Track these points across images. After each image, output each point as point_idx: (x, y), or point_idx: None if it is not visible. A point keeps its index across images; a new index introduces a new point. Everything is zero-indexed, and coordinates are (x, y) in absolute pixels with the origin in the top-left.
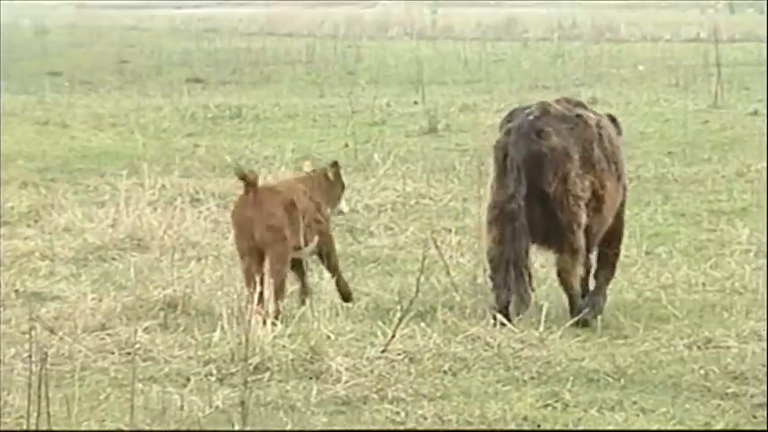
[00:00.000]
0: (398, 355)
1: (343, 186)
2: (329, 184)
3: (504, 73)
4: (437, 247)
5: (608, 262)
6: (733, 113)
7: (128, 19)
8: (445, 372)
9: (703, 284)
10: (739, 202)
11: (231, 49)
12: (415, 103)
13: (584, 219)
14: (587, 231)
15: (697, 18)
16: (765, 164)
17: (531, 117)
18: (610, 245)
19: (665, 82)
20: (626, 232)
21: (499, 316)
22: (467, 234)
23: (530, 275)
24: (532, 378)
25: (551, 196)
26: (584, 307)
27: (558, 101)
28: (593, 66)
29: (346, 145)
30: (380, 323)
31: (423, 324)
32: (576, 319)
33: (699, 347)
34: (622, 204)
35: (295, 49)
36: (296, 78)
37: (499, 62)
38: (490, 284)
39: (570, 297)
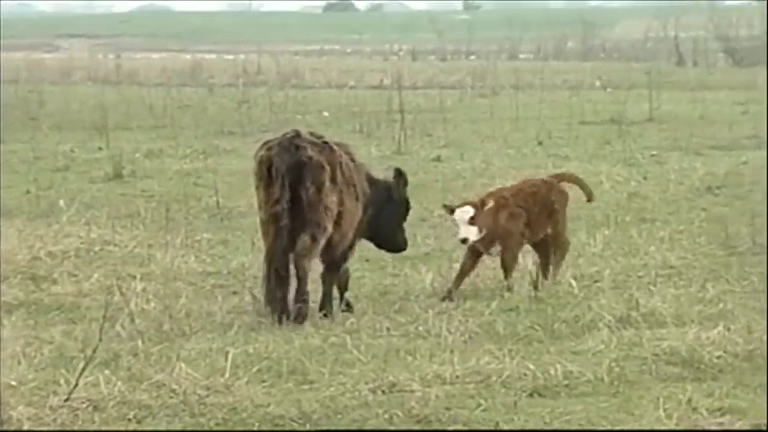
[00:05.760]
0: (82, 403)
1: None
2: None
3: (190, 119)
4: (122, 293)
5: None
6: (416, 159)
7: None
8: (129, 419)
9: (388, 329)
10: (423, 248)
11: None
12: (100, 148)
13: (330, 226)
14: (329, 242)
15: (380, 65)
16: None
17: (288, 136)
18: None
19: (349, 128)
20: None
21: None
22: (152, 281)
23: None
24: (218, 425)
25: (305, 200)
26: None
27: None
28: (278, 112)
29: (28, 191)
30: (64, 371)
31: (107, 371)
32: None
33: (383, 392)
34: (360, 222)
35: None
36: None
37: (184, 108)
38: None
39: (300, 279)
